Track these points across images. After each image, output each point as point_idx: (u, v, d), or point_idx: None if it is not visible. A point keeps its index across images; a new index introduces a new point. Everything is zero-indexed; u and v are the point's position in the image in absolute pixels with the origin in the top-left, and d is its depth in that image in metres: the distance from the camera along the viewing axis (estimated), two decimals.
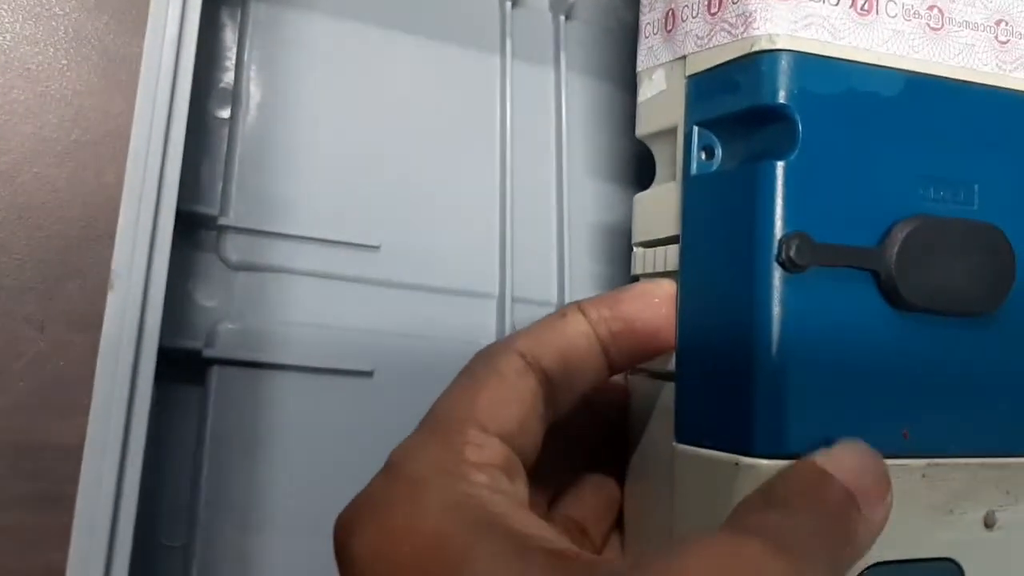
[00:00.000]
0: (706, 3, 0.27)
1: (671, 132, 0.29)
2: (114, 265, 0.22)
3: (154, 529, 0.29)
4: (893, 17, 0.26)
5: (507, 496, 0.22)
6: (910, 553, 0.26)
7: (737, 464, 0.25)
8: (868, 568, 0.26)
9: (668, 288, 0.27)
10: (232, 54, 0.33)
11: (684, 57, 0.28)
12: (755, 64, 0.25)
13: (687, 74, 0.28)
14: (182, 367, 0.29)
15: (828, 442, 0.24)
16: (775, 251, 0.24)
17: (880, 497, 0.23)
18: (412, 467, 0.22)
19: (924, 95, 0.26)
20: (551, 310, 0.36)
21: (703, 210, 0.27)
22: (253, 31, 0.33)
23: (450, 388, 0.25)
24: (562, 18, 0.38)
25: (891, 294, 0.25)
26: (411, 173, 0.34)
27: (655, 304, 0.27)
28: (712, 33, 0.27)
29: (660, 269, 0.29)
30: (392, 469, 0.23)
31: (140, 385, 0.22)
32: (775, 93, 0.25)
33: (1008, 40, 0.28)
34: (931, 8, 0.27)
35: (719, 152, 0.27)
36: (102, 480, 0.21)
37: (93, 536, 0.21)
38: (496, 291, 0.34)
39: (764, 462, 0.24)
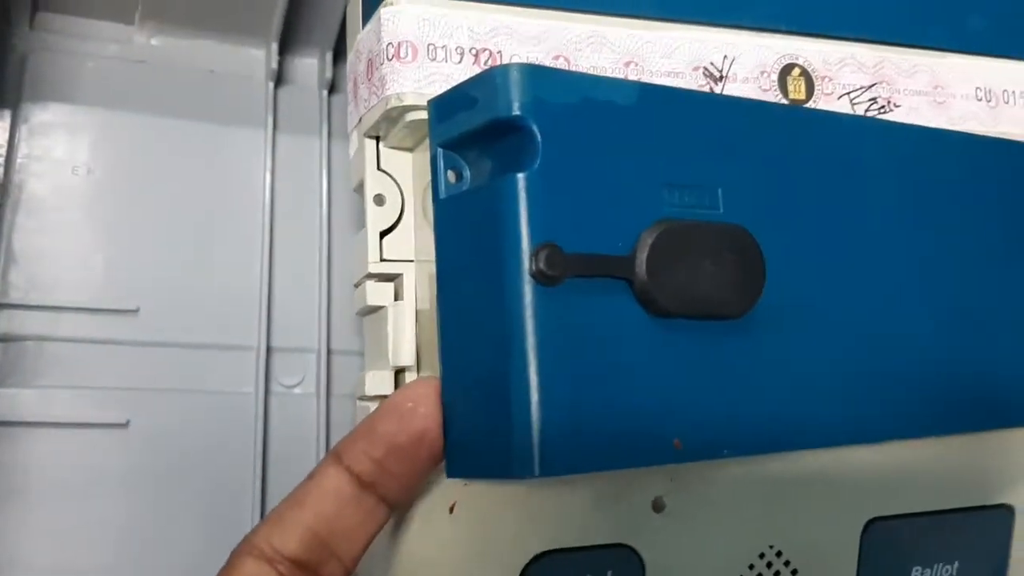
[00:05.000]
0: (366, 71, 0.31)
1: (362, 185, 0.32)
2: None
3: None
4: None
5: None
6: (580, 540, 0.29)
7: None
8: (535, 557, 0.29)
9: (421, 388, 0.26)
10: (3, 151, 0.37)
11: (361, 118, 0.32)
12: (490, 78, 0.25)
13: (362, 133, 0.32)
14: None
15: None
16: (526, 264, 0.23)
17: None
18: None
19: (659, 103, 0.27)
20: (313, 357, 0.39)
21: (453, 233, 0.26)
22: (22, 128, 0.37)
23: None
24: (324, 92, 0.43)
25: (646, 301, 0.25)
26: (174, 241, 0.38)
27: (410, 409, 0.25)
28: (370, 96, 0.31)
29: (363, 304, 0.32)
30: None
31: None
32: (509, 105, 0.24)
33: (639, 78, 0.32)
34: (557, 58, 0.31)
35: (467, 173, 0.27)
36: None
37: None
38: (256, 343, 0.38)
39: None
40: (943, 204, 0.33)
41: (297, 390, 0.37)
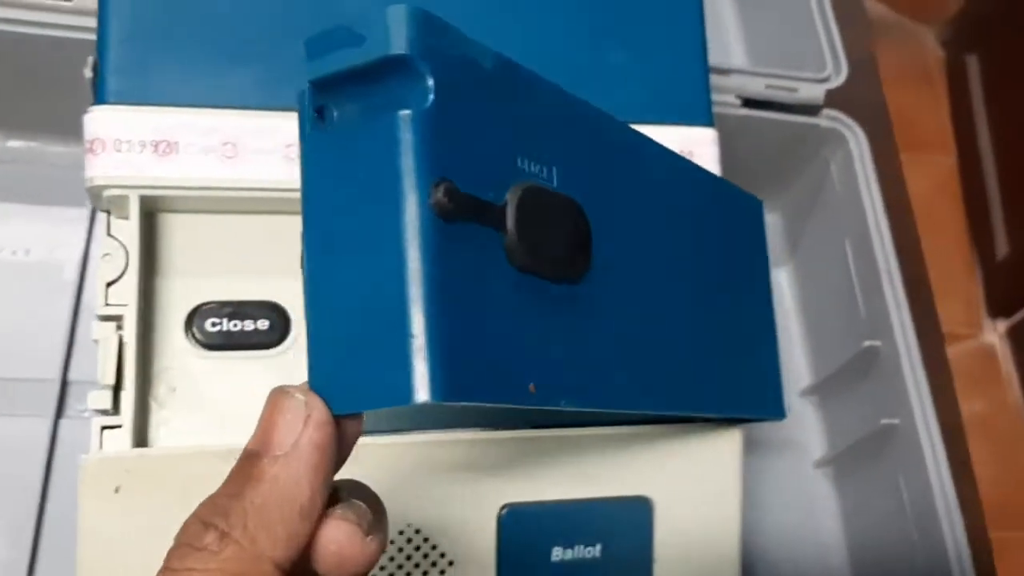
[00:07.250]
0: None
1: None
2: None
3: None
4: (192, 154, 0.40)
5: None
6: None
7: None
8: None
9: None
10: None
11: None
12: (382, 17, 0.24)
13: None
14: None
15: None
16: (422, 197, 0.24)
17: (287, 433, 0.24)
18: None
19: (521, 80, 0.28)
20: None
21: (327, 170, 0.25)
22: None
23: None
24: None
25: (511, 252, 0.26)
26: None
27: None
28: None
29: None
30: None
31: None
32: (403, 44, 0.24)
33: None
34: (225, 144, 0.40)
35: (335, 114, 0.26)
36: None
37: None
38: (55, 376, 0.48)
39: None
40: (679, 227, 0.38)
41: (86, 414, 0.47)
